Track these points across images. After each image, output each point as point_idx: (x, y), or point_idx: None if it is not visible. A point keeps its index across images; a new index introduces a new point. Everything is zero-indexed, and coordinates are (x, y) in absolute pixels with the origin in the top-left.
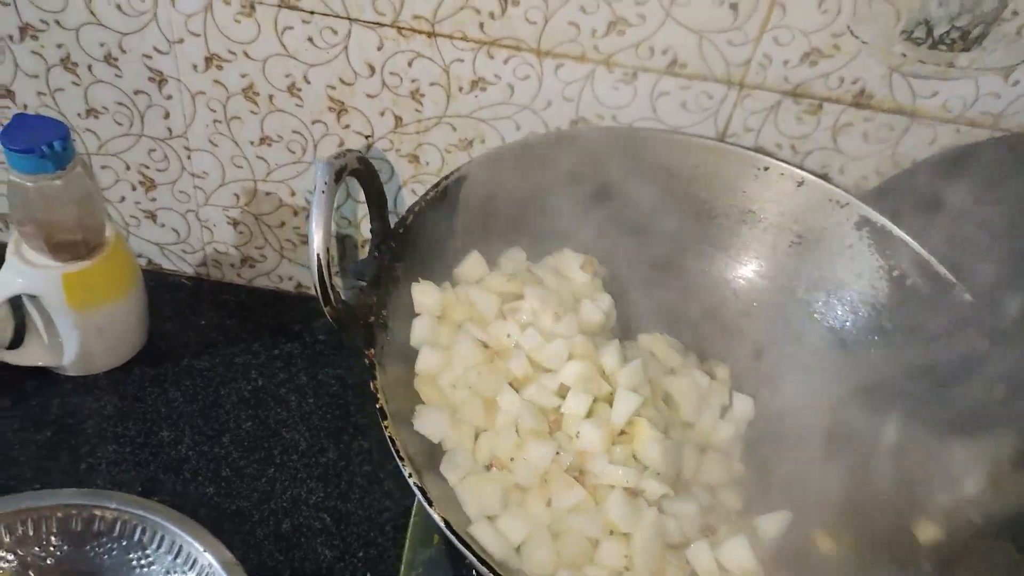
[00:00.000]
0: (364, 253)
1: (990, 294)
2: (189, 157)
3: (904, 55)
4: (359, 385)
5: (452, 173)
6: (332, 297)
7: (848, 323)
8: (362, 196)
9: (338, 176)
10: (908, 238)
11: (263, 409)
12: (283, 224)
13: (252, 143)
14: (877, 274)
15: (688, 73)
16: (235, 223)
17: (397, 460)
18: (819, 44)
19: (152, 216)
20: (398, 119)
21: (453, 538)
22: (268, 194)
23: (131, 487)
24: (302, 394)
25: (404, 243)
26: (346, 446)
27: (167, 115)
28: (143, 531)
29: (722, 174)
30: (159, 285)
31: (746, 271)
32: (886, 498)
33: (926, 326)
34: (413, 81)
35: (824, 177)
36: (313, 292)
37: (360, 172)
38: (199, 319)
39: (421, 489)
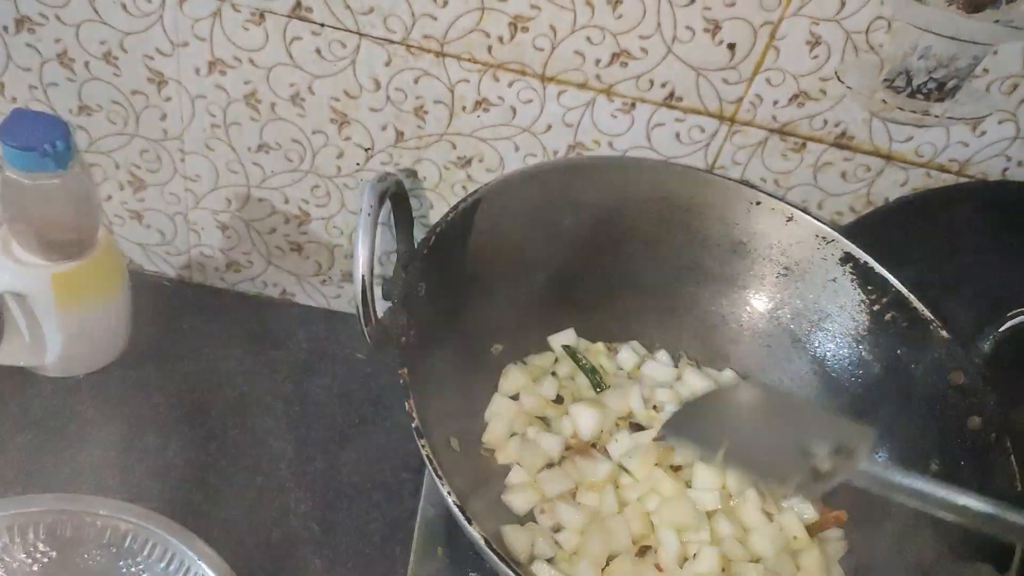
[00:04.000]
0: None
1: (965, 332)
2: (183, 160)
3: (884, 101)
4: (345, 394)
5: (469, 196)
6: (373, 317)
7: (830, 352)
8: None
9: (381, 198)
10: (889, 275)
11: (249, 417)
12: (274, 231)
13: (250, 149)
14: (858, 308)
15: (683, 107)
16: (224, 227)
17: (436, 479)
18: (807, 87)
19: (138, 216)
20: (400, 134)
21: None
22: (261, 200)
23: (117, 492)
24: (288, 402)
25: (428, 262)
26: (333, 456)
27: (164, 116)
28: (133, 538)
29: (717, 206)
30: (139, 286)
31: (736, 299)
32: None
33: (904, 359)
34: (418, 98)
35: (804, 211)
36: (298, 300)
37: (397, 196)
38: (181, 322)
39: (460, 508)
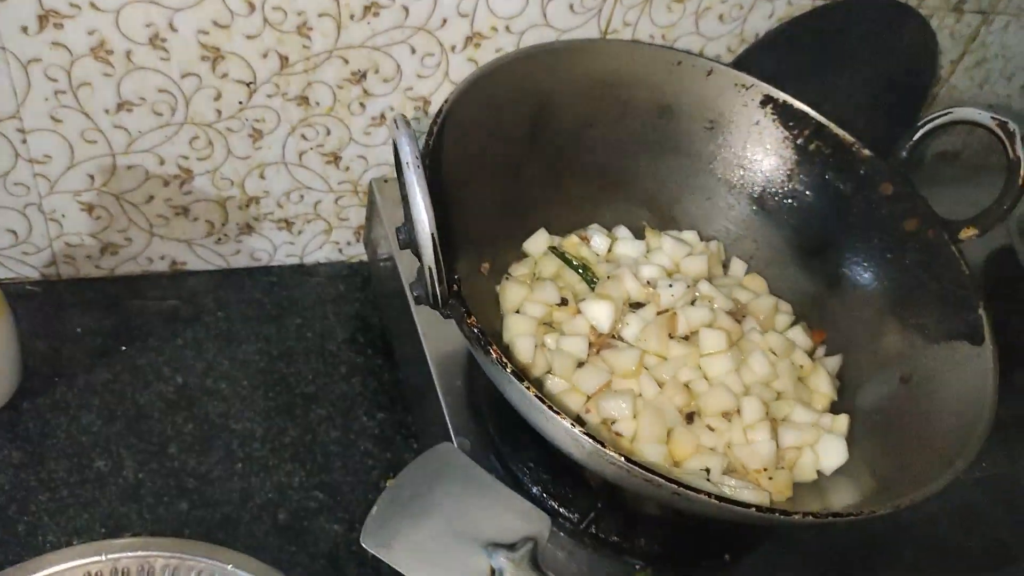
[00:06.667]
0: None
1: (881, 145)
2: (24, 141)
3: None
4: (285, 354)
5: (437, 117)
6: (445, 276)
7: (766, 192)
8: None
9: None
10: (807, 108)
11: (196, 407)
12: (151, 199)
13: (107, 111)
14: (783, 144)
15: None
16: (90, 208)
17: (546, 410)
18: None
19: None
20: (284, 59)
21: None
22: (131, 168)
23: (92, 532)
24: (230, 379)
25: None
26: (303, 419)
27: None
28: (141, 569)
29: (640, 73)
30: None
31: (671, 162)
32: None
33: (834, 183)
34: (299, 14)
35: (720, 62)
36: (192, 267)
37: None
38: (71, 327)
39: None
